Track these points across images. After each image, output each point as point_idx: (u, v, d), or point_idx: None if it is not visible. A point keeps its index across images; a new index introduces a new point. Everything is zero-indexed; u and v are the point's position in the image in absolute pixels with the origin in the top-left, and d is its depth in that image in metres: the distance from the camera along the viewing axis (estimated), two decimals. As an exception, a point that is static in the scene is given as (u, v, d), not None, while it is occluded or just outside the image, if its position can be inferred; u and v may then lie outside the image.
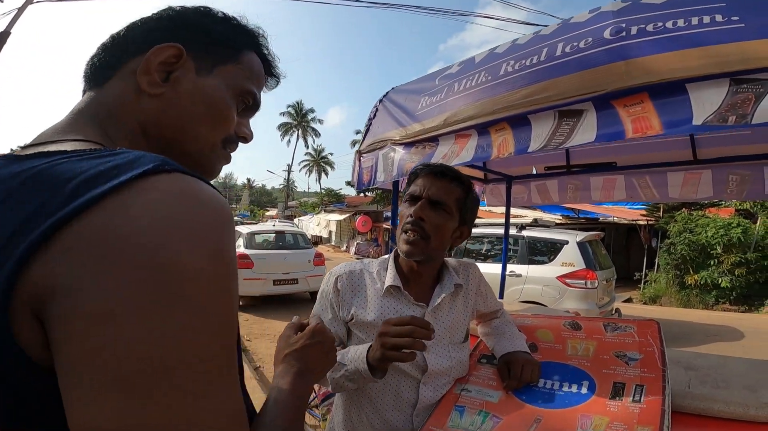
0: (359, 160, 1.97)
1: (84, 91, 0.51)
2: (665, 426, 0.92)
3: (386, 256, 1.23)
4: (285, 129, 50.37)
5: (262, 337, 5.62)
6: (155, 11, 0.52)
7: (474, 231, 7.03)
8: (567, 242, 5.96)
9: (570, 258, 5.81)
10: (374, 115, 1.97)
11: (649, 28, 0.99)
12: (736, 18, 0.89)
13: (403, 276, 1.15)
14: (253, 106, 0.57)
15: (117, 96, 0.47)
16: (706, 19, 0.92)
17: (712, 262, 9.24)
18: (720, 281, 8.94)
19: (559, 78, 1.11)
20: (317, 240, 23.03)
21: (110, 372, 0.30)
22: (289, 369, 0.64)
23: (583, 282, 5.53)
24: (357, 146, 2.06)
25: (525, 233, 6.42)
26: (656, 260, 10.77)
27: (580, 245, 5.85)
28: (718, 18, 0.91)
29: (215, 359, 0.34)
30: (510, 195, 2.66)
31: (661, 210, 11.57)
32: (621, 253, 12.89)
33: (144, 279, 0.31)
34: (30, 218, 0.32)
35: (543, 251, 6.21)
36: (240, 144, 0.59)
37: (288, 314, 5.84)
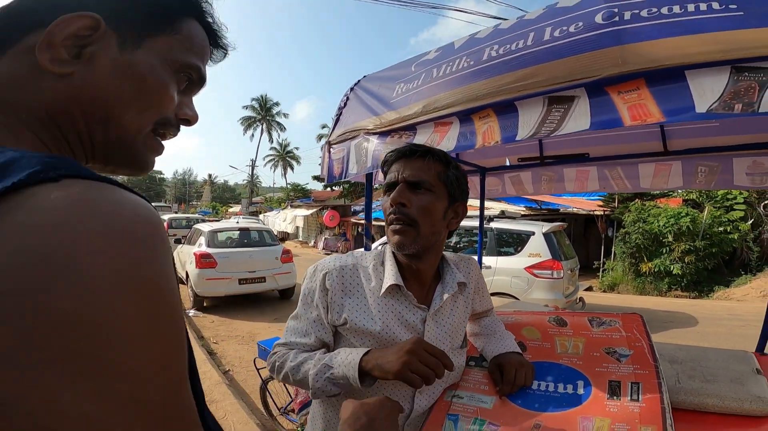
0: (329, 152, 1.85)
1: None
2: (668, 425, 0.89)
3: (380, 248, 1.08)
4: (248, 123, 49.00)
5: (230, 339, 5.39)
6: None
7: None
8: (533, 233, 6.09)
9: (537, 249, 5.94)
10: (345, 104, 1.86)
11: (644, 13, 0.95)
12: (734, 6, 0.85)
13: (402, 273, 1.00)
14: (198, 81, 0.49)
15: (9, 78, 0.38)
16: (703, 6, 0.89)
17: (664, 250, 9.80)
18: (672, 268, 9.51)
19: (549, 63, 1.04)
20: (284, 236, 22.53)
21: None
22: None
23: (549, 272, 5.68)
24: (324, 139, 1.94)
25: (493, 225, 6.51)
26: (613, 249, 11.31)
27: (546, 236, 6.00)
28: (715, 5, 0.88)
29: None
30: (484, 187, 2.62)
31: (617, 200, 12.15)
32: (580, 243, 13.43)
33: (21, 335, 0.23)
34: None
35: (511, 242, 6.32)
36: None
37: (256, 314, 5.68)
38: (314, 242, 21.85)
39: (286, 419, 2.94)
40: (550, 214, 12.12)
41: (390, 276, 0.98)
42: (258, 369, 2.96)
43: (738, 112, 0.77)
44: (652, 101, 0.89)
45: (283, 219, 22.69)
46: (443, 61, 1.39)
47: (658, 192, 12.08)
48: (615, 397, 1.00)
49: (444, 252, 1.10)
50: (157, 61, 0.43)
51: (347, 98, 1.85)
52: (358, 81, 1.87)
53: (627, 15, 0.97)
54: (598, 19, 1.01)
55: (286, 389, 2.97)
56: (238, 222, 8.98)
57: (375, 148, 1.50)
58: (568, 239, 7.13)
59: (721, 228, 9.78)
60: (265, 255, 7.48)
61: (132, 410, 0.25)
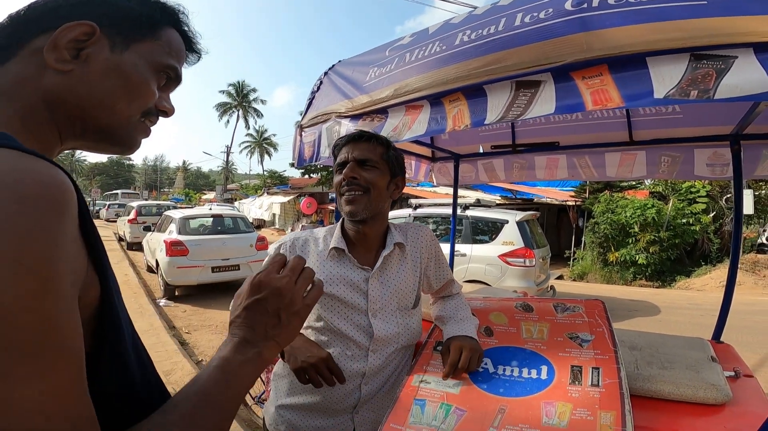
0: (300, 135, 1.84)
1: None
2: (627, 410, 0.92)
3: (332, 225, 1.23)
4: (224, 109, 47.74)
5: (203, 329, 5.28)
6: None
7: (419, 211, 7.12)
8: (507, 221, 6.20)
9: (510, 237, 6.06)
10: (318, 88, 1.83)
11: (611, 0, 0.97)
12: None
13: (349, 241, 1.16)
14: (175, 79, 0.59)
15: (16, 74, 0.47)
16: None
17: (630, 240, 10.19)
18: (637, 258, 9.90)
19: (518, 48, 1.06)
20: (260, 224, 22.22)
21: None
22: (229, 339, 0.53)
23: (522, 260, 5.81)
24: (297, 123, 1.91)
25: (468, 213, 6.59)
26: (583, 239, 11.68)
27: (519, 224, 6.12)
28: None
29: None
30: (458, 173, 2.64)
31: (587, 191, 12.51)
32: (552, 232, 13.81)
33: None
34: None
35: (485, 230, 6.42)
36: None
37: (230, 302, 5.61)
38: (291, 229, 21.64)
39: (260, 408, 2.92)
40: (524, 203, 12.39)
41: (334, 241, 1.14)
42: None
43: (694, 98, 0.80)
44: (613, 87, 0.91)
45: (259, 207, 22.31)
46: (416, 46, 1.38)
47: (626, 183, 12.52)
48: (577, 382, 1.03)
49: (393, 222, 1.24)
50: (141, 62, 0.52)
51: (321, 82, 1.83)
52: (333, 65, 1.85)
53: (595, 2, 0.99)
54: (568, 5, 1.02)
55: (260, 378, 2.96)
56: (211, 209, 8.74)
57: (347, 131, 1.49)
58: (540, 228, 7.31)
59: (684, 220, 10.22)
60: (240, 243, 7.35)
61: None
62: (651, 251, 9.82)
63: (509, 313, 1.39)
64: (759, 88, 0.76)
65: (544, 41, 1.01)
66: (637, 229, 10.00)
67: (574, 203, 12.47)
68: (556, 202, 13.00)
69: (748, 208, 9.25)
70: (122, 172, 61.19)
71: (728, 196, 10.71)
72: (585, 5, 0.99)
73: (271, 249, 1.22)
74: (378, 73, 1.47)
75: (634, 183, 12.64)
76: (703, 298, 8.01)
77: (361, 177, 1.09)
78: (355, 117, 1.50)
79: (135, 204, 15.02)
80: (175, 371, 3.66)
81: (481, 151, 2.54)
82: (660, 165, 2.05)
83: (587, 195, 12.37)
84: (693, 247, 10.94)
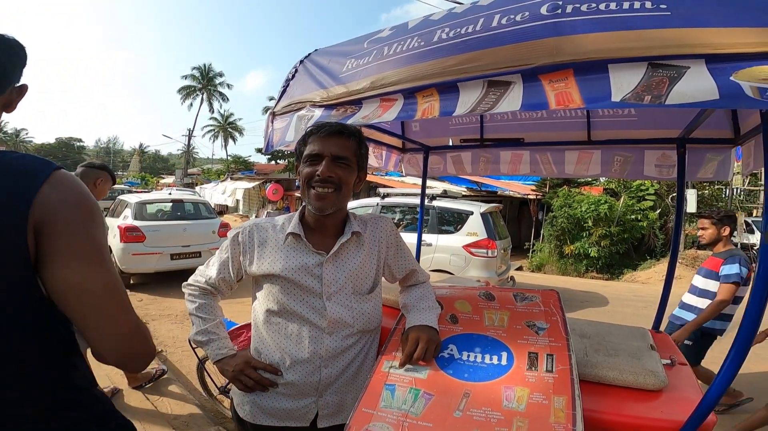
0: (272, 122, 1.82)
1: None
2: (576, 395, 1.00)
3: (291, 213, 1.30)
4: (187, 92, 46.31)
5: (162, 318, 5.09)
6: None
7: (387, 200, 7.19)
8: (472, 213, 6.38)
9: (474, 228, 6.25)
10: (293, 77, 1.81)
11: (584, 8, 1.02)
12: (664, 6, 0.94)
13: (308, 227, 1.23)
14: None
15: None
16: (637, 5, 0.97)
17: (584, 234, 10.76)
18: (590, 251, 10.48)
19: (492, 49, 1.10)
20: (222, 210, 21.51)
21: (80, 253, 0.71)
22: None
23: (485, 251, 6.01)
24: (269, 111, 1.89)
25: (435, 203, 6.71)
26: (542, 231, 12.21)
27: (483, 216, 6.31)
28: (648, 5, 0.96)
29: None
30: (427, 164, 2.70)
31: (548, 186, 13.04)
32: (514, 224, 14.33)
33: (80, 212, 0.72)
34: (16, 188, 0.68)
35: (451, 221, 6.58)
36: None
37: None
38: (255, 215, 21.13)
39: (226, 398, 2.86)
40: (488, 196, 12.76)
41: (291, 227, 1.20)
42: (194, 348, 2.82)
43: (647, 103, 0.87)
44: (576, 89, 0.97)
45: (222, 192, 21.58)
46: (395, 40, 1.40)
47: (583, 179, 13.15)
48: (533, 368, 1.10)
49: (352, 211, 1.32)
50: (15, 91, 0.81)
51: (296, 70, 1.81)
52: (309, 54, 1.84)
53: (569, 8, 1.04)
54: (543, 10, 1.07)
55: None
56: (170, 194, 8.38)
57: (318, 118, 1.50)
58: (502, 220, 7.57)
59: (633, 216, 10.90)
60: (201, 229, 7.12)
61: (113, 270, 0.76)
62: (602, 245, 10.42)
63: (473, 301, 1.46)
64: (705, 96, 0.83)
65: (517, 43, 1.05)
66: (590, 224, 10.57)
67: (534, 197, 12.97)
68: (518, 195, 13.48)
69: (691, 206, 10.00)
70: (71, 153, 57.32)
71: (674, 194, 11.52)
72: (560, 11, 1.04)
73: (230, 236, 1.26)
74: (355, 65, 1.48)
75: (590, 179, 13.31)
76: (647, 291, 8.58)
77: (336, 175, 1.15)
78: (329, 107, 1.51)
79: (85, 186, 14.07)
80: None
81: (451, 144, 2.61)
82: (613, 164, 2.19)
83: (547, 189, 12.89)
84: (640, 242, 11.70)
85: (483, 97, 1.09)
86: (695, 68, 0.86)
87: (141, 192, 12.35)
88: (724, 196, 13.55)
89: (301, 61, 1.82)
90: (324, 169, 1.14)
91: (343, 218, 1.26)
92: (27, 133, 57.29)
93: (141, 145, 55.32)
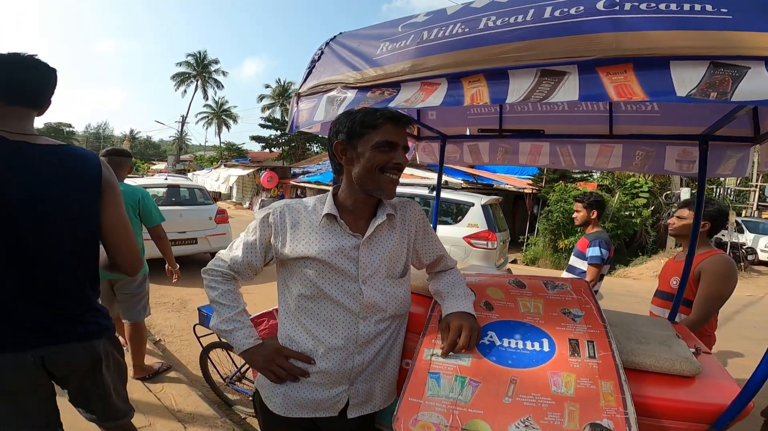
0: (297, 103, 1.80)
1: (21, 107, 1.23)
2: (623, 380, 1.01)
3: (321, 195, 1.27)
4: (181, 79, 45.78)
5: (159, 307, 4.95)
6: None
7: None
8: (473, 204, 6.41)
9: (475, 219, 6.29)
10: (319, 58, 1.78)
11: (643, 6, 1.03)
12: (724, 10, 0.96)
13: (342, 209, 1.21)
14: None
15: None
16: (698, 7, 0.98)
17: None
18: (584, 244, 10.59)
19: (546, 39, 1.09)
20: (216, 197, 21.30)
21: (118, 202, 1.36)
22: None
23: (485, 242, 6.06)
24: (295, 92, 1.87)
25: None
26: (537, 225, 12.32)
27: (484, 208, 6.35)
28: (708, 8, 0.97)
29: None
30: (444, 153, 2.69)
31: (544, 180, 13.12)
32: (509, 218, 14.41)
33: (115, 187, 1.36)
34: (85, 168, 1.29)
35: (451, 212, 6.61)
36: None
37: (187, 278, 4.61)
38: (249, 204, 20.98)
39: (232, 389, 2.82)
40: (485, 188, 12.81)
41: (326, 208, 1.18)
42: (198, 337, 2.78)
43: (712, 99, 0.88)
44: (636, 82, 0.97)
45: (215, 179, 21.34)
46: (434, 25, 1.38)
47: (578, 174, 13.26)
48: (576, 354, 1.12)
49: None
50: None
51: (321, 52, 1.78)
52: (335, 37, 1.81)
53: (627, 6, 1.05)
54: (600, 6, 1.08)
55: (230, 357, 2.86)
56: (166, 179, 8.24)
57: (353, 100, 1.49)
58: (501, 212, 7.62)
59: (627, 213, 11.05)
60: (198, 215, 7.00)
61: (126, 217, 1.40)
62: (596, 239, 10.54)
63: (504, 289, 1.47)
64: (766, 95, 0.86)
65: (574, 35, 1.05)
66: (585, 218, 10.66)
67: (531, 191, 13.06)
68: (514, 189, 13.56)
69: (683, 203, 10.13)
70: (60, 138, 55.64)
71: (667, 192, 11.70)
72: (617, 7, 1.05)
73: (258, 217, 1.23)
74: (390, 48, 1.46)
75: (585, 174, 13.42)
76: (639, 286, 8.73)
77: (406, 163, 1.19)
78: (363, 89, 1.48)
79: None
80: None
81: (468, 133, 2.59)
82: (634, 158, 2.20)
83: (543, 184, 12.98)
84: (632, 238, 11.89)
85: (536, 85, 1.08)
86: (755, 69, 0.89)
87: (132, 177, 12.10)
88: (715, 195, 13.81)
89: (327, 43, 1.79)
90: (403, 159, 1.17)
91: (377, 201, 1.24)
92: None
93: (132, 131, 54.28)
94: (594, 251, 3.08)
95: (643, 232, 11.70)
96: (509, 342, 1.18)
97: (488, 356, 1.13)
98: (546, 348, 1.15)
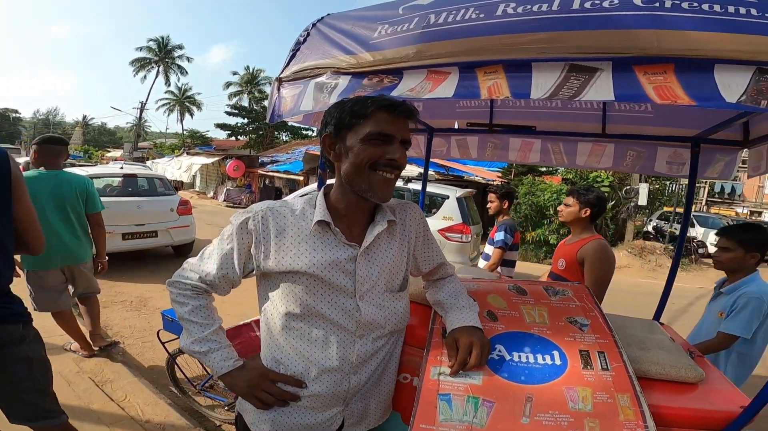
0: (278, 89, 1.63)
1: None
2: (638, 392, 0.97)
3: (310, 194, 1.10)
4: (141, 64, 43.79)
5: (115, 305, 4.60)
6: None
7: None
8: (448, 197, 6.36)
9: (450, 212, 6.25)
10: (304, 40, 1.61)
11: (684, 5, 0.95)
12: None
13: (334, 213, 1.05)
14: None
15: None
16: (743, 10, 0.92)
17: (545, 222, 11.19)
18: (549, 238, 10.92)
19: (576, 32, 0.99)
20: (177, 186, 20.29)
21: (26, 192, 1.45)
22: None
23: (459, 236, 6.04)
24: (275, 77, 1.68)
25: (411, 186, 6.63)
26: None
27: (459, 200, 6.32)
28: (753, 11, 0.91)
29: None
30: (430, 147, 2.57)
31: (513, 173, 13.37)
32: (478, 210, 14.63)
33: (21, 178, 1.44)
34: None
35: (426, 205, 6.54)
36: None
37: (146, 274, 5.00)
38: (214, 193, 20.14)
39: (204, 396, 2.62)
40: (455, 180, 12.88)
41: (318, 213, 1.01)
42: (163, 343, 2.57)
43: (764, 107, 0.81)
44: (677, 85, 0.89)
45: (177, 167, 20.28)
46: (442, 9, 1.24)
47: (545, 168, 13.60)
48: (588, 367, 1.05)
49: None
50: None
51: (308, 34, 1.61)
52: (322, 18, 1.64)
53: (668, 3, 0.96)
54: (637, 1, 0.98)
55: (201, 364, 2.67)
56: (122, 167, 7.65)
57: (347, 87, 1.34)
58: (475, 205, 7.66)
59: (590, 206, 11.46)
60: (158, 206, 6.52)
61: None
62: (561, 233, 10.90)
63: (505, 296, 1.38)
64: None
65: (607, 30, 0.96)
66: (552, 212, 10.99)
67: (500, 183, 13.27)
68: (483, 181, 13.72)
69: (642, 199, 10.65)
70: (6, 124, 52.27)
71: (627, 187, 12.20)
72: (657, 4, 0.96)
73: (235, 222, 1.04)
74: (390, 31, 1.30)
75: (551, 169, 13.79)
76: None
77: (403, 163, 1.00)
78: (358, 75, 1.33)
79: (21, 161, 12.67)
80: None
81: (457, 127, 2.49)
82: (626, 158, 2.17)
83: (512, 176, 13.23)
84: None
85: (563, 81, 0.98)
86: None
87: (85, 166, 11.22)
88: (667, 191, 14.59)
89: (314, 24, 1.62)
90: (401, 156, 0.98)
91: (374, 204, 1.08)
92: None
93: (84, 117, 50.75)
94: (499, 235, 3.42)
95: (603, 225, 12.20)
96: (519, 356, 1.10)
97: (499, 373, 1.04)
98: (558, 362, 1.08)
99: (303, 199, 1.09)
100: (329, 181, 1.16)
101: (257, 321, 1.64)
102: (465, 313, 1.15)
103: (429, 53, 1.17)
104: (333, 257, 1.00)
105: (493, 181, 13.45)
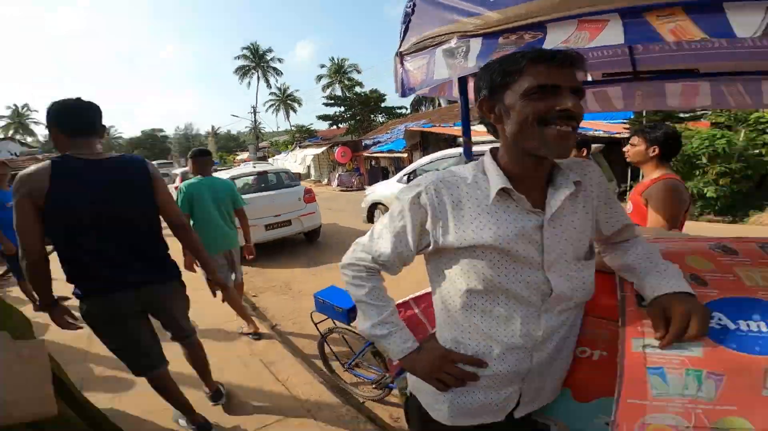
0: (401, 64, 1.60)
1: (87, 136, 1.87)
2: None
3: (473, 162, 1.00)
4: (243, 72, 48.78)
5: (267, 290, 5.15)
6: None
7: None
8: (573, 159, 5.77)
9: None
10: (412, 11, 1.54)
11: None
12: None
13: (510, 178, 0.94)
14: None
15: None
16: None
17: (697, 173, 9.42)
18: (705, 191, 9.16)
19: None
20: (296, 177, 22.39)
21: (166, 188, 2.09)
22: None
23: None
24: (395, 52, 1.67)
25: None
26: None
27: (590, 157, 5.68)
28: None
29: None
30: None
31: (643, 123, 11.48)
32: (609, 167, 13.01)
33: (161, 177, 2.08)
34: (137, 171, 1.99)
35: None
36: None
37: (288, 260, 5.88)
38: (328, 179, 21.69)
39: (350, 374, 2.81)
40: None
41: (497, 180, 0.92)
42: (316, 324, 2.80)
43: None
44: None
45: (294, 161, 22.32)
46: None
47: (686, 114, 11.38)
48: None
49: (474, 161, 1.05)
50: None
51: (414, 4, 1.54)
52: None
53: None
54: None
55: (346, 342, 2.88)
56: (254, 167, 8.64)
57: (483, 49, 1.25)
58: (606, 161, 6.83)
59: (756, 151, 9.29)
60: (288, 197, 7.19)
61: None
62: (721, 183, 9.06)
63: (710, 257, 1.13)
64: None
65: None
66: (705, 160, 9.19)
67: (628, 135, 11.56)
68: (605, 135, 12.07)
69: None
70: (157, 142, 63.22)
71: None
72: None
73: (405, 198, 0.99)
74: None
75: (695, 113, 11.49)
76: (778, 233, 7.37)
77: (579, 114, 0.87)
78: (491, 35, 1.23)
79: (178, 171, 15.20)
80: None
81: (590, 79, 2.19)
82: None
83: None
84: (762, 180, 10.01)
85: None
86: None
87: (222, 170, 13.08)
88: None
89: None
90: (575, 105, 0.85)
91: (550, 164, 0.97)
92: (116, 130, 64.35)
93: (213, 127, 58.65)
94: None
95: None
96: (748, 325, 0.91)
97: (725, 343, 0.88)
98: None
99: (467, 165, 1.02)
100: (494, 145, 1.06)
101: (415, 299, 1.65)
102: (668, 278, 0.98)
103: (579, 2, 1.01)
104: (519, 227, 0.92)
105: (618, 133, 11.78)
